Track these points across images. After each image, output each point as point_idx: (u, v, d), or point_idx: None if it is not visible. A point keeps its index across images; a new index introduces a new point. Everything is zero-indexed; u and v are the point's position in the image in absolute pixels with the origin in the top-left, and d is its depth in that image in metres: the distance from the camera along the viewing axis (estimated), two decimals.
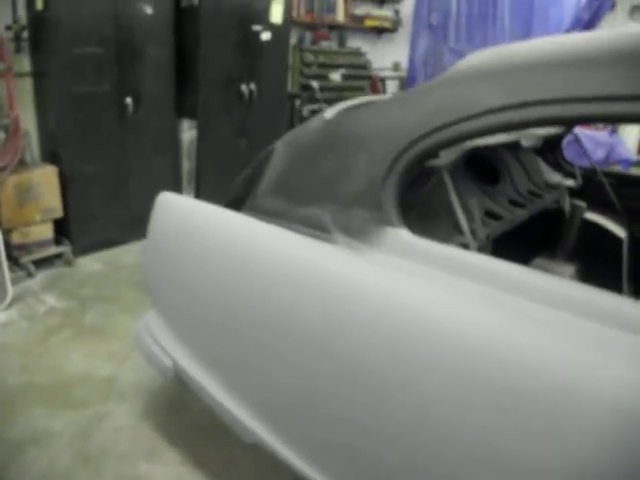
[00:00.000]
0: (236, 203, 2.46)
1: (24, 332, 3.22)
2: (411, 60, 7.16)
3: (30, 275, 3.88)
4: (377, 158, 1.56)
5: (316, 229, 1.70)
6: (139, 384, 2.80)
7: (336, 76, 5.85)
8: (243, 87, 4.88)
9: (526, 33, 6.68)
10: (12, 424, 2.50)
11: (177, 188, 4.80)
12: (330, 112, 2.00)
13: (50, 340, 3.15)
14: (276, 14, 4.88)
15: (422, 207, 1.86)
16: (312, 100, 5.63)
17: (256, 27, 4.80)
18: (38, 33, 3.98)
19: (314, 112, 5.71)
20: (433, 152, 1.56)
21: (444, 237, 1.71)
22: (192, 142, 4.71)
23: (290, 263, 1.58)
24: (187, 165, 4.77)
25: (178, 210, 2.10)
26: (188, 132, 4.68)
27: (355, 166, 1.64)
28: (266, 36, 4.84)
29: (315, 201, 1.75)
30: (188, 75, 4.58)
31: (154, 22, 4.28)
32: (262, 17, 4.85)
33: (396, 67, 7.27)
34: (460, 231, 1.69)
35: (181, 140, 4.69)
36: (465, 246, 1.63)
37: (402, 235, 1.47)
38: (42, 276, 3.93)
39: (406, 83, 7.28)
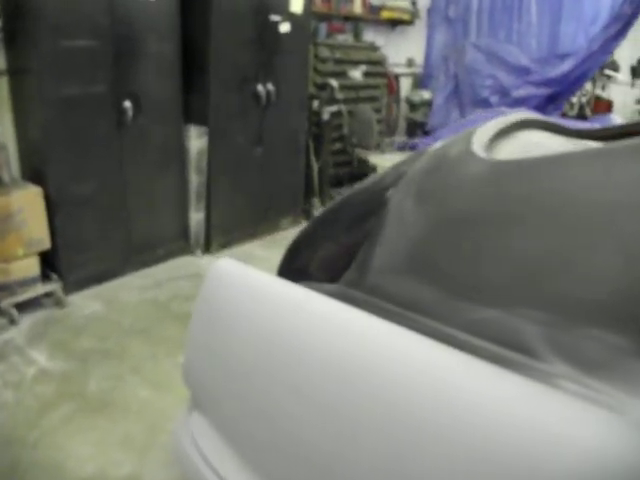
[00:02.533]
0: (299, 272, 1.78)
1: (10, 409, 2.48)
2: (427, 56, 6.52)
3: (13, 322, 3.12)
4: None
5: (511, 349, 1.03)
6: None
7: (357, 74, 5.15)
8: (259, 87, 4.16)
9: (555, 29, 6.12)
10: None
11: (184, 207, 4.07)
12: (480, 142, 1.33)
13: (46, 420, 2.41)
14: (296, 2, 4.17)
15: None
16: (331, 101, 4.94)
17: (275, 17, 4.08)
18: (15, 21, 3.20)
19: (335, 114, 5.02)
20: None
21: None
22: (201, 152, 3.98)
23: (459, 409, 0.86)
24: (195, 180, 4.03)
25: (245, 288, 1.39)
26: (197, 140, 3.95)
27: (590, 256, 0.98)
28: (285, 28, 4.13)
29: (503, 299, 1.08)
30: (196, 74, 3.85)
31: (157, 11, 3.55)
32: (281, 6, 4.14)
33: (410, 63, 6.61)
34: None
35: (189, 150, 3.96)
36: None
37: None
38: (28, 323, 3.17)
39: (421, 80, 6.64)
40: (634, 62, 7.70)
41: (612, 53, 5.64)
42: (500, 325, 1.09)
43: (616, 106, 7.61)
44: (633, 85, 7.91)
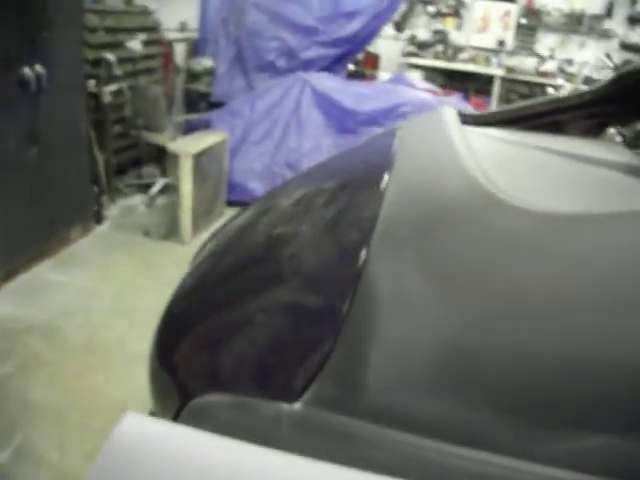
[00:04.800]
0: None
1: None
2: (203, 18, 5.82)
3: None
4: None
5: None
6: None
7: (136, 44, 4.35)
8: (26, 71, 3.20)
9: None
10: None
11: None
12: (482, 172, 1.01)
13: None
14: None
15: None
16: (110, 79, 4.11)
17: None
18: None
19: (115, 94, 4.20)
20: None
21: None
22: None
23: None
24: None
25: (166, 458, 0.82)
26: None
27: None
28: None
29: (620, 418, 0.74)
30: None
31: None
32: None
33: (183, 27, 5.88)
34: None
35: None
36: None
37: None
38: None
39: (196, 46, 5.97)
40: (397, 17, 8.14)
41: (398, 9, 5.67)
42: (616, 457, 0.72)
43: (383, 60, 8.00)
44: (397, 38, 8.49)
